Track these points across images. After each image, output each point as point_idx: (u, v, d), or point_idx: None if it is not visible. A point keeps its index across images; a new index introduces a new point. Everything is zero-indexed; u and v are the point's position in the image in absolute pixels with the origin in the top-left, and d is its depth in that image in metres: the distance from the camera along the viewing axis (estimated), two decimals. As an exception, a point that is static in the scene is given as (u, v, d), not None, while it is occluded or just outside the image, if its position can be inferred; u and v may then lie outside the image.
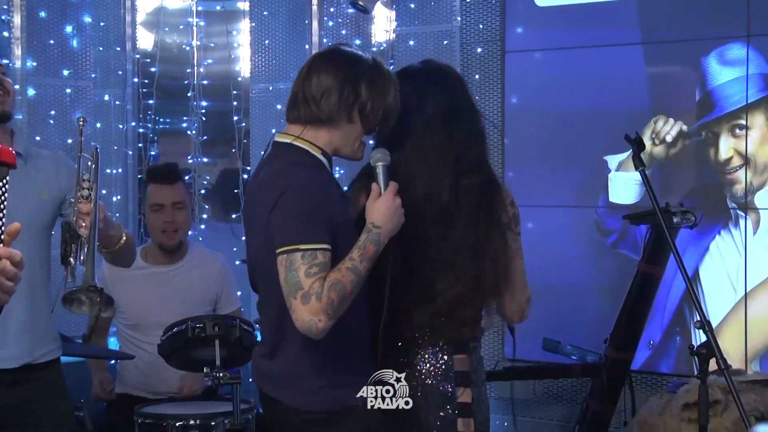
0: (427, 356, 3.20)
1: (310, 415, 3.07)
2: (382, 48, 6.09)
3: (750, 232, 5.09)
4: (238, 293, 5.26)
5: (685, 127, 5.24)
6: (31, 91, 5.83)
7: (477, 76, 5.77)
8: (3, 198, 2.23)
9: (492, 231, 3.19)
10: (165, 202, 4.97)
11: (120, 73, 6.35)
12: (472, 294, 3.18)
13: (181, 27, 6.54)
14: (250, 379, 5.77)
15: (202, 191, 6.41)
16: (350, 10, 5.92)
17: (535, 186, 5.57)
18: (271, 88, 6.21)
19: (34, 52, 5.86)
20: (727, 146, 5.14)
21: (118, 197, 6.27)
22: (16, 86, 5.61)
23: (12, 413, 3.57)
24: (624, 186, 5.37)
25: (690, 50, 5.24)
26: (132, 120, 6.39)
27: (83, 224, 3.05)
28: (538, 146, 5.62)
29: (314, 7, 6.18)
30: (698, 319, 3.22)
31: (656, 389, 5.22)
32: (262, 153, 3.22)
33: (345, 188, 3.24)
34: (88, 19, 6.09)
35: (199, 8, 6.50)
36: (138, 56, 6.44)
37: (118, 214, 6.25)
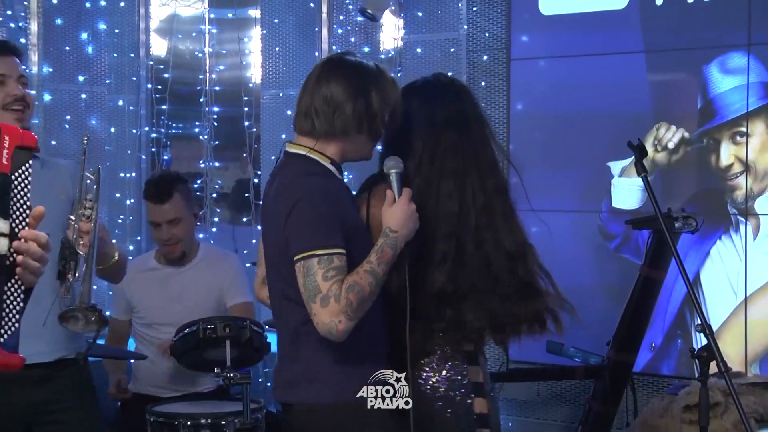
0: (445, 367, 3.20)
1: (320, 406, 3.06)
2: (390, 55, 6.09)
3: (750, 238, 5.08)
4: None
5: (686, 134, 5.24)
6: (47, 97, 5.84)
7: (483, 83, 5.77)
8: (27, 181, 2.25)
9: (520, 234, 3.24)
10: (159, 221, 4.94)
11: (134, 79, 6.37)
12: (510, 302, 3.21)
13: (193, 34, 6.55)
14: (260, 379, 5.83)
15: (214, 195, 6.41)
16: (359, 18, 5.92)
17: (539, 191, 5.55)
18: (281, 94, 6.21)
19: (51, 58, 5.88)
20: (728, 153, 5.13)
21: (132, 200, 6.28)
22: (33, 92, 5.64)
23: (41, 411, 3.53)
24: (627, 191, 5.36)
25: (692, 59, 5.23)
26: (145, 125, 6.40)
27: (82, 242, 3.04)
28: (543, 152, 5.61)
29: (324, 15, 6.19)
30: (699, 322, 3.21)
31: (658, 391, 5.21)
32: (274, 159, 3.25)
33: (354, 192, 3.26)
34: (103, 27, 6.11)
35: (212, 16, 6.51)
36: (151, 62, 6.46)
37: (131, 218, 6.26)
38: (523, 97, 5.67)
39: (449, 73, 5.58)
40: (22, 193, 2.24)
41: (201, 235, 5.28)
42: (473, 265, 3.14)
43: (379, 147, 3.26)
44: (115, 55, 6.25)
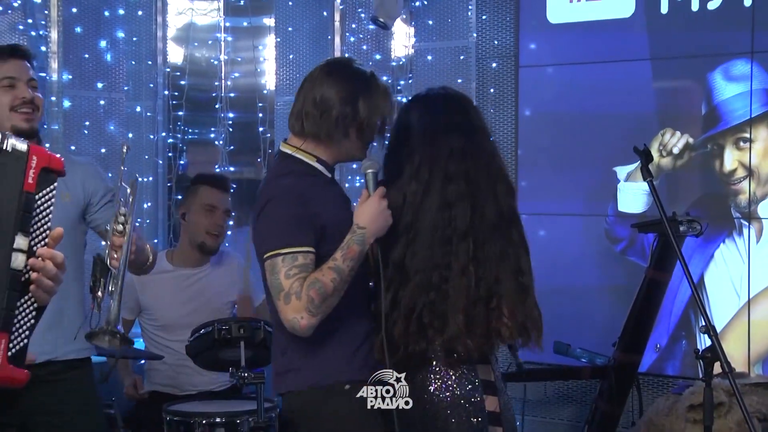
0: (452, 366, 3.19)
1: (305, 391, 3.15)
2: (401, 62, 6.10)
3: (753, 241, 5.07)
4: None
5: (691, 140, 5.23)
6: (66, 103, 5.85)
7: (492, 90, 5.77)
8: (50, 203, 2.26)
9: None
10: (218, 206, 5.02)
11: (151, 85, 6.38)
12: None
13: (209, 42, 6.56)
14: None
15: (229, 198, 6.42)
16: (371, 27, 5.92)
17: (547, 195, 5.56)
18: (294, 101, 6.22)
19: (70, 65, 5.89)
20: (731, 158, 5.12)
21: (149, 204, 6.29)
22: (53, 98, 5.66)
23: (38, 413, 3.52)
24: (632, 196, 5.36)
25: (696, 66, 5.23)
26: (162, 130, 6.41)
27: (115, 256, 3.02)
28: (551, 156, 5.61)
29: (336, 24, 6.20)
30: (703, 323, 3.21)
31: (663, 391, 5.20)
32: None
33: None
34: (121, 35, 6.12)
35: (227, 24, 6.52)
36: (168, 70, 6.47)
37: (148, 221, 6.28)
38: (531, 103, 5.66)
39: (458, 80, 5.64)
40: (44, 213, 2.25)
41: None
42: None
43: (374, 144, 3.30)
44: (133, 63, 6.27)
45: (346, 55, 6.11)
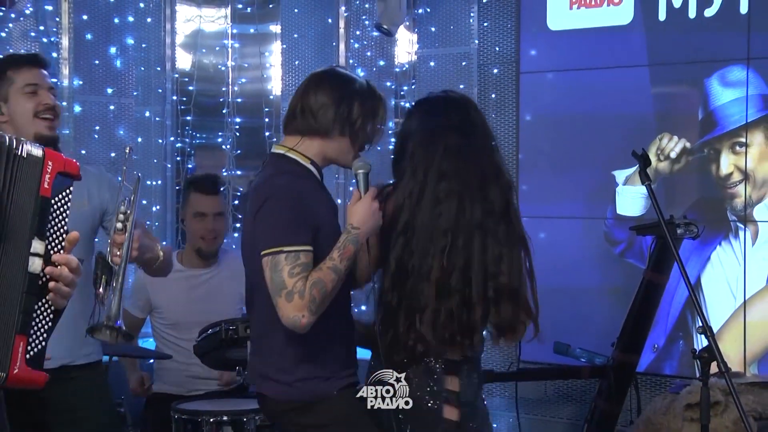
0: (420, 371, 3.16)
1: (286, 405, 3.13)
2: (404, 69, 6.11)
3: (749, 243, 5.07)
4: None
5: (688, 144, 5.23)
6: (77, 108, 5.87)
7: (493, 95, 5.77)
8: (66, 207, 2.26)
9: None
10: (207, 212, 4.98)
11: (160, 91, 6.38)
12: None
13: (217, 48, 6.57)
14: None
15: (236, 202, 6.42)
16: (375, 33, 5.93)
17: (547, 198, 5.56)
18: (300, 106, 6.22)
19: (81, 71, 5.91)
20: (727, 162, 5.12)
21: (158, 207, 6.30)
22: (64, 103, 5.68)
23: (53, 412, 3.52)
24: (631, 199, 5.35)
25: (693, 72, 5.23)
26: (171, 135, 6.41)
27: (118, 253, 3.02)
28: (551, 160, 5.61)
29: (341, 31, 6.21)
30: (700, 324, 3.21)
31: (660, 390, 5.19)
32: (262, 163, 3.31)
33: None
34: (130, 41, 6.13)
35: (234, 31, 6.53)
36: (177, 75, 6.47)
37: (157, 223, 6.28)
38: (531, 109, 5.66)
39: (461, 86, 5.64)
40: (60, 217, 2.25)
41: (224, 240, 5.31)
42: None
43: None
44: (142, 69, 6.28)
45: (351, 61, 6.13)
